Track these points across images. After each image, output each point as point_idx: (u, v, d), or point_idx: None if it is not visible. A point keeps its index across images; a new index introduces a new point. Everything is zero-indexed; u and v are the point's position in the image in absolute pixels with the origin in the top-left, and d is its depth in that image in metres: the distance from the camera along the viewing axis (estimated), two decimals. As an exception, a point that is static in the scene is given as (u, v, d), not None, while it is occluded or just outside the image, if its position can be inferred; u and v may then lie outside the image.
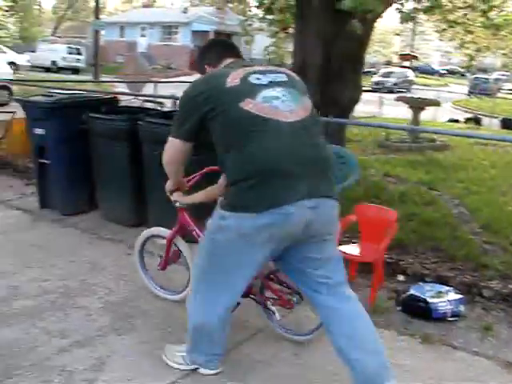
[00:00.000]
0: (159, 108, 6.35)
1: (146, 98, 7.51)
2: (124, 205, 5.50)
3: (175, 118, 2.95)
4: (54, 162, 5.73)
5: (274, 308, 3.52)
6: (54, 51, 36.52)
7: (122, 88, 15.34)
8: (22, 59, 30.66)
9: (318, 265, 2.84)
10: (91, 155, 5.64)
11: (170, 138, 2.94)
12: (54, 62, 35.94)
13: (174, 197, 3.46)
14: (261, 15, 10.03)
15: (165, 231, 3.91)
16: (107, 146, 5.37)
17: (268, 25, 10.11)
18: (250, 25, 10.33)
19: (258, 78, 2.79)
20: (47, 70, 35.17)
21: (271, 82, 2.81)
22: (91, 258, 4.71)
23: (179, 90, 10.63)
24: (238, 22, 13.98)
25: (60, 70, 35.04)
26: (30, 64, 31.55)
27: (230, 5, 13.42)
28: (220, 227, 2.74)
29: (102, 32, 33.35)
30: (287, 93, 2.79)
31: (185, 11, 21.35)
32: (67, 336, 3.45)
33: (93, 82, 19.23)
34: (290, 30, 10.70)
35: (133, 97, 9.33)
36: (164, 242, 3.84)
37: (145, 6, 52.53)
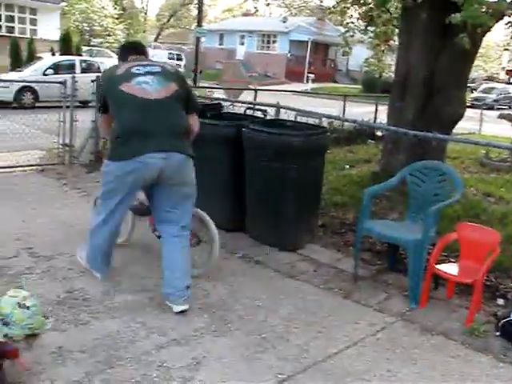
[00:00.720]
0: (262, 115, 6.43)
1: (248, 105, 7.57)
2: (223, 208, 5.48)
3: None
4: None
5: None
6: (155, 56, 37.76)
7: (217, 94, 15.61)
8: (126, 63, 31.95)
9: (168, 206, 3.91)
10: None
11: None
12: (155, 67, 37.16)
13: None
14: (362, 27, 9.99)
15: None
16: (211, 149, 5.36)
17: (372, 37, 10.02)
18: (352, 36, 10.30)
19: (138, 69, 3.84)
20: (148, 74, 36.38)
21: (147, 71, 3.85)
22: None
23: (277, 98, 10.60)
24: (336, 33, 13.93)
25: (160, 74, 36.09)
26: (132, 68, 32.79)
27: (330, 15, 13.40)
28: (105, 172, 3.88)
29: (203, 39, 34.15)
30: (156, 79, 3.81)
31: (284, 20, 21.47)
32: (165, 333, 3.56)
33: (193, 87, 19.71)
34: (391, 43, 10.57)
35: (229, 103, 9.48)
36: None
37: (245, 14, 53.25)
